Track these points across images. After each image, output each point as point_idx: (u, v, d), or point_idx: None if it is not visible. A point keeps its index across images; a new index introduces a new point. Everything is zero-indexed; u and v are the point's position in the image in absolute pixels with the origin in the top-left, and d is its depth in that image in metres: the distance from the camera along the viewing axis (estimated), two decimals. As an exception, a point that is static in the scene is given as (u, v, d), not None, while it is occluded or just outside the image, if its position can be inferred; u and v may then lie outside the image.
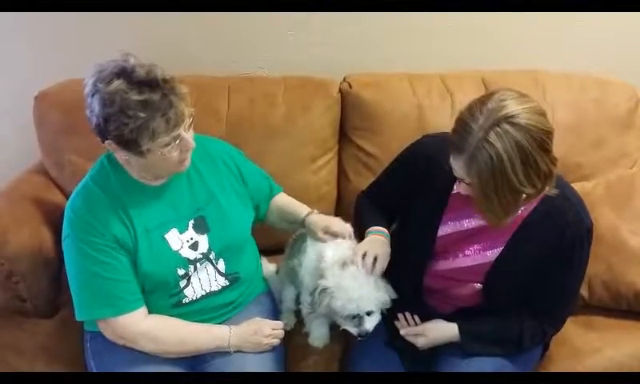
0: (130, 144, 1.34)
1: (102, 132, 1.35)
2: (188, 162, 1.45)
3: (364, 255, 1.50)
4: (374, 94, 1.98)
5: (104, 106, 1.31)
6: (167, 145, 1.36)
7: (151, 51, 2.07)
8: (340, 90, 2.02)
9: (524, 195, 1.29)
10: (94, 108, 1.33)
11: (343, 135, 2.05)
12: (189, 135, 1.40)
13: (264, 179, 1.75)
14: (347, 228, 1.60)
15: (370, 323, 1.49)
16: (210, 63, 2.12)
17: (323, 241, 1.58)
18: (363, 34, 2.12)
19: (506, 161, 1.22)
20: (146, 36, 2.09)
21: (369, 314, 1.48)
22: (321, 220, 1.64)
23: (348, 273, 1.48)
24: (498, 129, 1.22)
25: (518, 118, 1.23)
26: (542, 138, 1.25)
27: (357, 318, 1.49)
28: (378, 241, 1.55)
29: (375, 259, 1.49)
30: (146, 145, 1.34)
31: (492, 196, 1.27)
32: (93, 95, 1.32)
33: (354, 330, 1.50)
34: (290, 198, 1.79)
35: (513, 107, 1.24)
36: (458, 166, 1.30)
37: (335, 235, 1.58)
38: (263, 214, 1.75)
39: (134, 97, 1.30)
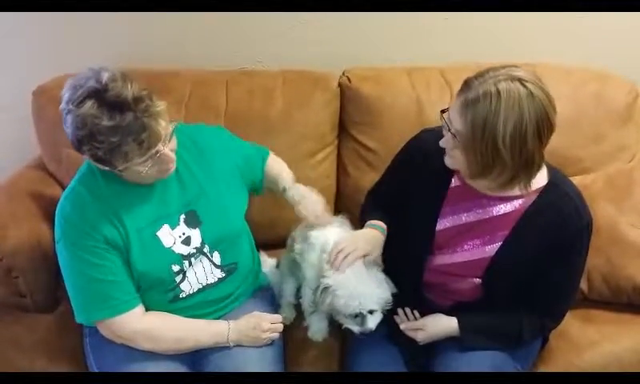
0: (105, 162, 1.34)
1: (78, 149, 1.34)
2: (170, 171, 1.43)
3: (339, 251, 1.50)
4: (373, 88, 1.98)
5: (76, 127, 1.29)
6: (144, 162, 1.35)
7: (150, 46, 2.10)
8: (339, 84, 2.02)
9: (499, 160, 1.29)
10: (68, 126, 1.31)
11: (342, 129, 2.05)
12: (170, 146, 1.38)
13: (254, 153, 1.73)
14: (318, 213, 1.61)
15: (373, 322, 1.49)
16: (208, 57, 2.11)
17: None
18: (362, 28, 2.12)
19: (501, 111, 1.25)
20: (144, 31, 2.09)
21: (371, 312, 1.48)
22: (295, 201, 1.64)
23: (350, 270, 1.48)
24: (511, 83, 1.26)
25: (531, 86, 1.26)
26: (542, 118, 1.27)
27: (359, 317, 1.48)
28: (365, 235, 1.56)
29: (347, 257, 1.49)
30: (121, 165, 1.34)
31: (473, 143, 1.29)
32: (67, 114, 1.31)
33: (356, 329, 1.50)
34: (275, 161, 1.77)
35: (531, 77, 1.28)
36: (456, 104, 1.32)
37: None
38: (261, 187, 1.74)
39: (104, 122, 1.27)
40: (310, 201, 1.63)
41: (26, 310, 1.73)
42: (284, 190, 1.68)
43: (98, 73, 1.30)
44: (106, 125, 1.27)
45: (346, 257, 1.48)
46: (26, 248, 1.67)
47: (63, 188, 1.88)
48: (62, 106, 1.32)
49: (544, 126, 1.28)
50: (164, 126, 1.34)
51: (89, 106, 1.27)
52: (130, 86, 1.30)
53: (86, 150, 1.32)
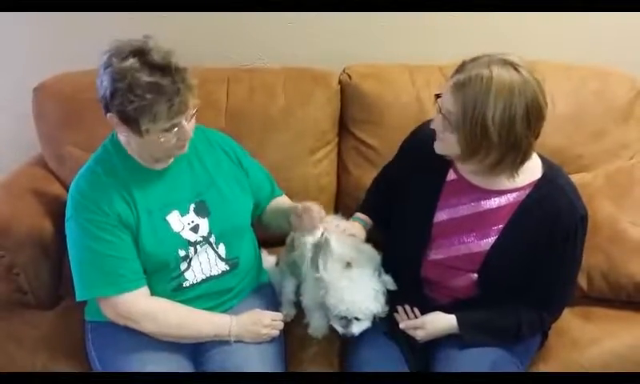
0: (130, 121, 1.37)
1: (107, 105, 1.38)
2: (185, 147, 1.47)
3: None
4: (373, 85, 1.98)
5: (114, 80, 1.33)
6: (166, 130, 1.38)
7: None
8: (340, 82, 2.02)
9: (488, 140, 1.31)
10: (103, 80, 1.36)
11: (343, 127, 2.05)
12: (189, 125, 1.42)
13: (266, 178, 1.75)
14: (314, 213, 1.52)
15: (357, 328, 1.50)
16: (209, 55, 2.11)
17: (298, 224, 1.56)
18: (363, 26, 2.12)
19: (493, 90, 1.27)
20: (145, 27, 2.05)
21: (358, 319, 1.50)
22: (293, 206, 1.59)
23: (348, 274, 1.50)
24: (503, 66, 1.30)
25: (524, 71, 1.30)
26: (531, 104, 1.29)
27: (344, 320, 1.50)
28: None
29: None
30: (146, 125, 1.37)
31: (463, 122, 1.31)
32: (106, 68, 1.35)
33: (339, 330, 1.52)
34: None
35: (525, 64, 1.32)
36: (447, 88, 1.35)
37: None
38: (260, 213, 1.74)
39: (145, 78, 1.32)
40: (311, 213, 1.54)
41: (28, 306, 1.74)
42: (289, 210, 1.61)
43: (145, 37, 1.38)
44: (146, 80, 1.32)
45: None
46: (27, 245, 1.68)
47: (64, 186, 1.90)
48: (103, 61, 1.36)
49: (533, 111, 1.30)
50: (192, 101, 1.40)
51: (132, 61, 1.33)
52: (173, 55, 1.37)
53: (116, 105, 1.35)
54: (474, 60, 1.34)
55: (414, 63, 2.05)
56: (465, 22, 2.11)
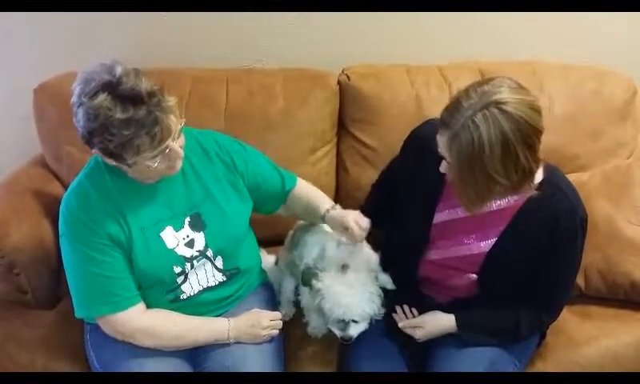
0: (115, 156, 1.34)
1: (88, 143, 1.34)
2: (178, 167, 1.43)
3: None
4: (372, 85, 1.98)
5: (88, 120, 1.28)
6: (154, 157, 1.35)
7: (150, 45, 2.11)
8: (338, 82, 2.03)
9: (497, 185, 1.28)
10: (79, 119, 1.31)
11: (342, 127, 2.06)
12: (178, 143, 1.38)
13: (273, 174, 1.69)
14: (363, 225, 1.54)
15: (355, 330, 1.51)
16: (208, 56, 2.12)
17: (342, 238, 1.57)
18: (361, 27, 2.12)
19: (485, 144, 1.23)
20: (144, 30, 2.09)
21: (355, 321, 1.50)
22: (339, 216, 1.58)
23: (344, 278, 1.50)
24: (486, 111, 1.23)
25: (509, 106, 1.23)
26: (527, 133, 1.25)
27: (342, 322, 1.51)
28: None
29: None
30: (132, 159, 1.33)
31: (466, 177, 1.29)
32: (78, 106, 1.30)
33: (337, 333, 1.53)
34: (309, 186, 1.74)
35: (506, 94, 1.24)
36: (441, 142, 1.31)
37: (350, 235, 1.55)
38: (274, 209, 1.72)
39: (118, 115, 1.27)
40: (352, 219, 1.55)
41: (28, 306, 1.74)
42: (328, 210, 1.61)
43: (110, 67, 1.30)
44: (120, 117, 1.27)
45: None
46: (27, 245, 1.68)
47: (64, 186, 1.90)
48: (74, 99, 1.31)
49: (531, 135, 1.26)
50: (175, 122, 1.35)
51: (102, 98, 1.27)
52: (143, 81, 1.31)
53: (97, 143, 1.32)
54: (454, 111, 1.26)
55: (412, 63, 2.06)
56: (463, 22, 2.12)
